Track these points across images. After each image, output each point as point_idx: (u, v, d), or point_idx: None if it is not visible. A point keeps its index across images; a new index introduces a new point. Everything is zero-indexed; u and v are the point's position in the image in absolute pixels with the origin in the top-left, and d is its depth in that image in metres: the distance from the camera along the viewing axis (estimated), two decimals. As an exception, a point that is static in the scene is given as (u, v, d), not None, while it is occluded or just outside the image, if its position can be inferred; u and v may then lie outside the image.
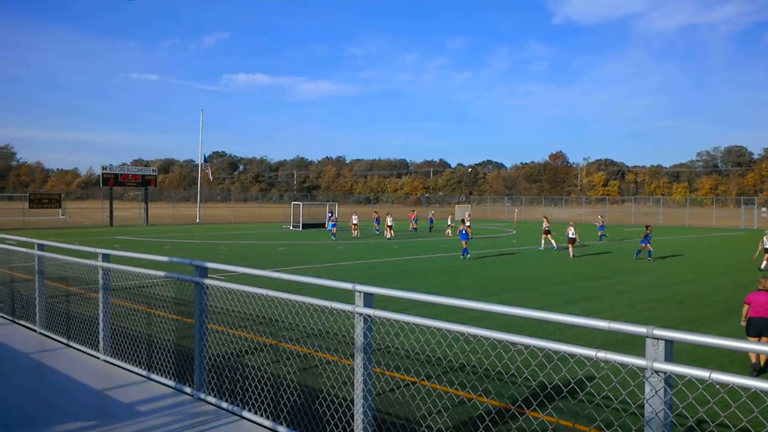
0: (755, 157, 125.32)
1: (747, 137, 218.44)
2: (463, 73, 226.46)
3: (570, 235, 27.93)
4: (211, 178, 68.05)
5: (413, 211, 49.81)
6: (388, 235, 37.47)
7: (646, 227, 27.04)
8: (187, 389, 6.12)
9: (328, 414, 5.37)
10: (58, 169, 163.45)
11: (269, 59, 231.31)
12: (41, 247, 9.15)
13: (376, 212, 45.42)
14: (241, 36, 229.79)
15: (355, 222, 40.24)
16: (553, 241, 30.59)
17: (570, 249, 27.75)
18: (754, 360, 9.16)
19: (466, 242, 25.22)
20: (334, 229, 38.21)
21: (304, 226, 48.57)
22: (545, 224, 31.50)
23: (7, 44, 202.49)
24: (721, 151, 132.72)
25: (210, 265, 6.07)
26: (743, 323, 9.32)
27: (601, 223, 37.87)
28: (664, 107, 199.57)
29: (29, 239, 9.67)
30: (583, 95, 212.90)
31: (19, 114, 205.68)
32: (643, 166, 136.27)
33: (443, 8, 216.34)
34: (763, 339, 8.94)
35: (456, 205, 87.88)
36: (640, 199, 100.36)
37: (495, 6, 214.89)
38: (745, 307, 9.21)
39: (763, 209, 69.93)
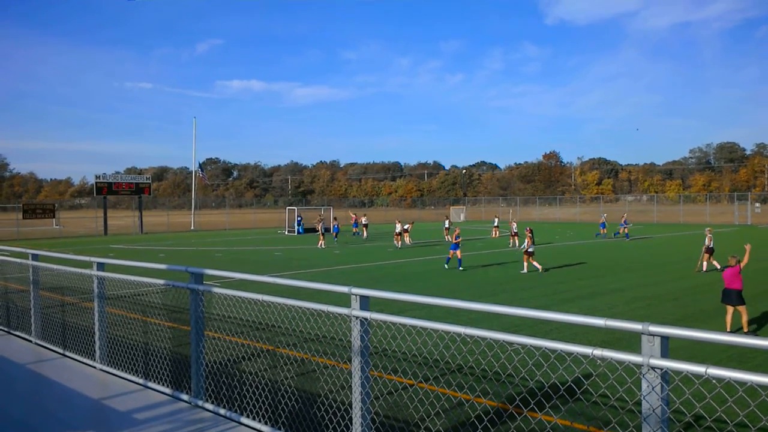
0: (748, 152, 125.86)
1: (739, 134, 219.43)
2: (457, 76, 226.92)
3: (514, 230, 33.54)
4: (207, 182, 68.07)
5: (355, 214, 49.68)
6: (408, 241, 35.19)
7: None
8: (185, 396, 6.10)
9: (327, 418, 5.36)
10: (51, 179, 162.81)
11: (263, 65, 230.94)
12: (35, 257, 9.11)
13: (320, 216, 45.82)
14: (235, 43, 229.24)
15: (321, 231, 35.33)
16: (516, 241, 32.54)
17: (512, 240, 33.32)
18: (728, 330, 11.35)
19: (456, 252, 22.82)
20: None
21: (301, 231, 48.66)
22: (515, 227, 33.82)
23: (0, 58, 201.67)
24: (714, 148, 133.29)
25: (205, 271, 6.05)
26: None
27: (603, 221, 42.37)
28: (657, 105, 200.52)
29: (23, 249, 9.63)
30: (576, 95, 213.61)
31: (11, 125, 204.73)
32: (636, 164, 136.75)
33: (437, 12, 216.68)
34: (739, 307, 11.21)
35: (450, 207, 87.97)
36: (634, 197, 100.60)
37: (488, 9, 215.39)
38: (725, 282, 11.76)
39: (757, 205, 70.19)
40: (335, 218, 41.43)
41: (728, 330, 11.17)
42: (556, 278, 19.18)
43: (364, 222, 42.01)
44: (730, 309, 11.48)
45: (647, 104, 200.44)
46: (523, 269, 21.03)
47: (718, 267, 20.71)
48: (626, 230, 39.06)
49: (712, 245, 20.88)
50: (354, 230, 45.18)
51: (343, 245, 34.96)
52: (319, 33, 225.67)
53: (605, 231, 41.27)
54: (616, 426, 3.57)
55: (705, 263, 20.84)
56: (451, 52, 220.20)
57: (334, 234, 37.84)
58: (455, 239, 22.66)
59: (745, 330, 11.22)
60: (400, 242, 33.32)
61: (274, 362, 8.83)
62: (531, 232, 21.34)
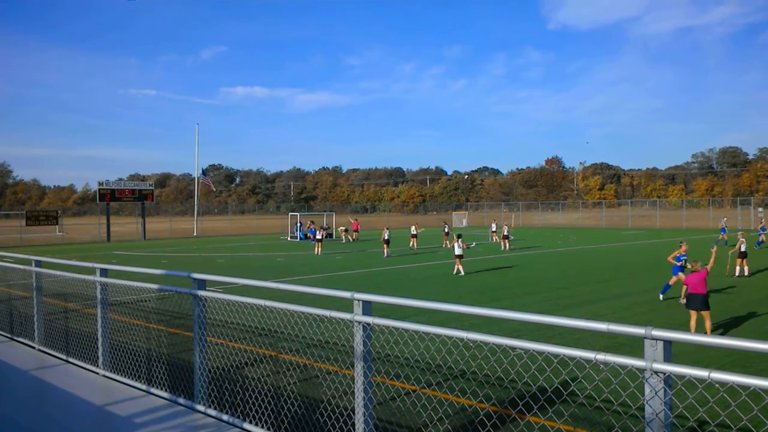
0: (750, 157, 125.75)
1: (742, 139, 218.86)
2: (460, 81, 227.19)
3: (505, 233, 35.32)
4: (213, 188, 68.30)
5: (356, 219, 50.11)
6: (411, 244, 35.88)
7: None
8: (188, 402, 6.10)
9: (329, 424, 5.35)
10: (54, 186, 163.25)
11: (267, 72, 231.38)
12: (39, 264, 9.13)
13: (312, 222, 46.12)
14: (239, 49, 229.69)
15: (319, 237, 34.41)
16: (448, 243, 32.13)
17: (503, 243, 35.06)
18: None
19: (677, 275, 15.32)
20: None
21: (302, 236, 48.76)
22: (506, 230, 35.32)
23: (4, 64, 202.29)
24: (716, 153, 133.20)
25: (208, 277, 6.06)
26: (683, 301, 12.22)
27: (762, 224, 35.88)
28: (659, 110, 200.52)
29: (26, 256, 9.65)
30: (578, 100, 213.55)
31: (14, 131, 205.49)
32: (638, 169, 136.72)
33: (440, 18, 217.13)
34: (702, 312, 11.16)
35: (453, 212, 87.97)
36: (637, 202, 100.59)
37: (491, 14, 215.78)
38: (684, 287, 11.79)
39: (760, 209, 70.05)
40: (312, 222, 43.89)
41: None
42: (559, 284, 19.15)
43: (345, 228, 46.87)
44: (694, 314, 11.36)
45: (649, 109, 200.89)
46: (460, 273, 21.94)
47: (746, 273, 20.78)
48: (764, 237, 34.96)
49: (745, 249, 20.88)
50: (355, 235, 46.21)
51: (344, 251, 34.94)
52: (322, 39, 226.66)
53: (725, 237, 36.12)
54: (619, 430, 3.57)
55: (738, 267, 20.86)
56: (454, 57, 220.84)
57: (311, 236, 39.43)
58: (676, 260, 15.61)
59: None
60: (386, 251, 31.22)
61: (277, 368, 8.83)
62: (459, 237, 23.17)
